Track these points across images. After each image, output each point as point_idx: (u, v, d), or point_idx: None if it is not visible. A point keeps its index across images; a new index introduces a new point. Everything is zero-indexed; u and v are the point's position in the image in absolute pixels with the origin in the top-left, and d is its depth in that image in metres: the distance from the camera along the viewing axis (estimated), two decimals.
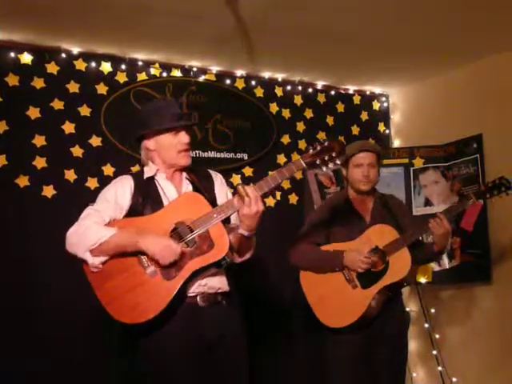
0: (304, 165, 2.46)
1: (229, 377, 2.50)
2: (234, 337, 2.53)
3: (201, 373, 2.43)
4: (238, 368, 2.54)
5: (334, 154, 2.45)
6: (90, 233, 2.39)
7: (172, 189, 2.58)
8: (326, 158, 2.45)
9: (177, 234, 2.44)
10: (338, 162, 2.48)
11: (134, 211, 2.51)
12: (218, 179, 2.71)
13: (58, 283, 3.66)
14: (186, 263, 2.40)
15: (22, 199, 3.71)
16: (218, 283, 2.51)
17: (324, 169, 2.47)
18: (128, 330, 2.45)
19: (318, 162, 2.45)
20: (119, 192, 2.52)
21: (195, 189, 2.59)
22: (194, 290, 2.46)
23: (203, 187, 2.60)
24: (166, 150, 2.56)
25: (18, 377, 3.49)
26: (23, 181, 3.72)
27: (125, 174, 2.66)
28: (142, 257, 2.41)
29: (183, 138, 2.56)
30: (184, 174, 2.64)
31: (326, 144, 2.46)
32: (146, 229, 2.43)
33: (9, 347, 3.50)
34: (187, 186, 2.61)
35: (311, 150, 2.46)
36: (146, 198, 2.53)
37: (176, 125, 2.55)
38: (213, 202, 2.55)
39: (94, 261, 2.39)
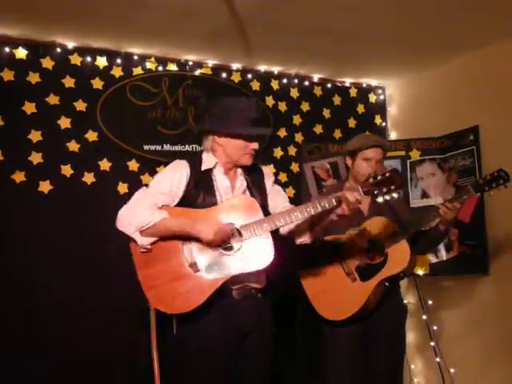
0: (362, 192, 2.49)
1: (257, 365, 2.58)
2: (267, 326, 2.62)
3: (232, 364, 2.50)
4: (267, 358, 2.63)
5: (392, 187, 2.49)
6: (142, 214, 2.44)
7: (227, 183, 2.61)
8: (385, 190, 2.49)
9: None
10: (395, 195, 2.51)
11: (186, 200, 2.55)
12: (269, 181, 2.74)
13: (57, 282, 3.65)
14: (231, 266, 2.45)
15: (18, 195, 3.69)
16: (256, 281, 2.58)
17: (380, 199, 2.51)
18: (162, 319, 2.51)
19: (376, 191, 2.50)
20: (175, 182, 2.54)
21: (248, 187, 2.63)
22: (233, 287, 2.52)
23: (257, 187, 2.65)
24: (234, 150, 2.58)
25: (18, 377, 3.48)
26: (19, 176, 3.70)
27: (181, 160, 2.64)
28: (185, 250, 2.46)
29: (254, 145, 2.58)
30: (239, 170, 2.66)
31: (387, 175, 2.50)
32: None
33: (9, 347, 3.49)
34: (242, 183, 2.65)
35: (371, 179, 2.51)
36: (200, 189, 2.56)
37: (254, 133, 2.57)
38: (264, 204, 2.59)
39: (143, 241, 2.44)
